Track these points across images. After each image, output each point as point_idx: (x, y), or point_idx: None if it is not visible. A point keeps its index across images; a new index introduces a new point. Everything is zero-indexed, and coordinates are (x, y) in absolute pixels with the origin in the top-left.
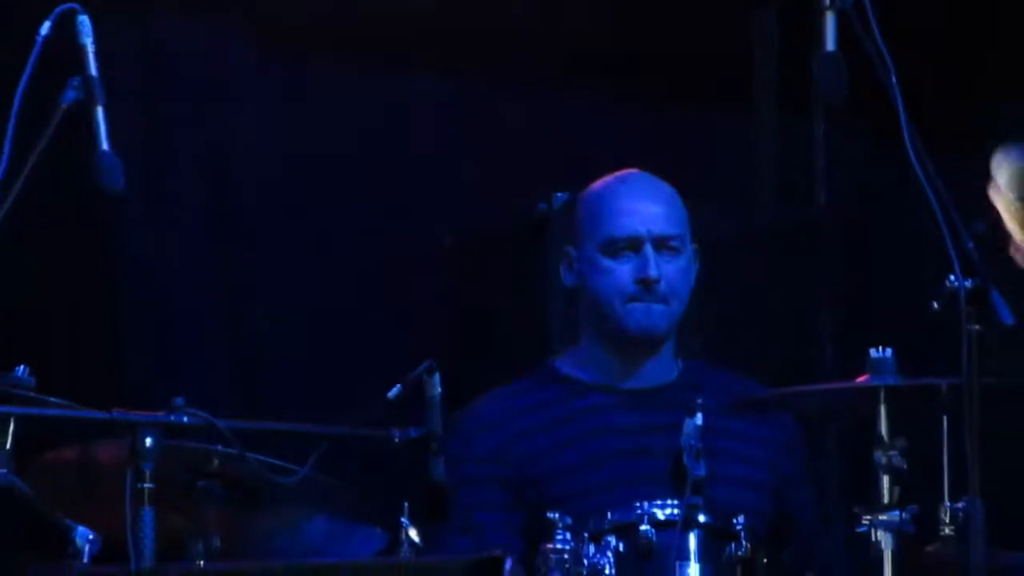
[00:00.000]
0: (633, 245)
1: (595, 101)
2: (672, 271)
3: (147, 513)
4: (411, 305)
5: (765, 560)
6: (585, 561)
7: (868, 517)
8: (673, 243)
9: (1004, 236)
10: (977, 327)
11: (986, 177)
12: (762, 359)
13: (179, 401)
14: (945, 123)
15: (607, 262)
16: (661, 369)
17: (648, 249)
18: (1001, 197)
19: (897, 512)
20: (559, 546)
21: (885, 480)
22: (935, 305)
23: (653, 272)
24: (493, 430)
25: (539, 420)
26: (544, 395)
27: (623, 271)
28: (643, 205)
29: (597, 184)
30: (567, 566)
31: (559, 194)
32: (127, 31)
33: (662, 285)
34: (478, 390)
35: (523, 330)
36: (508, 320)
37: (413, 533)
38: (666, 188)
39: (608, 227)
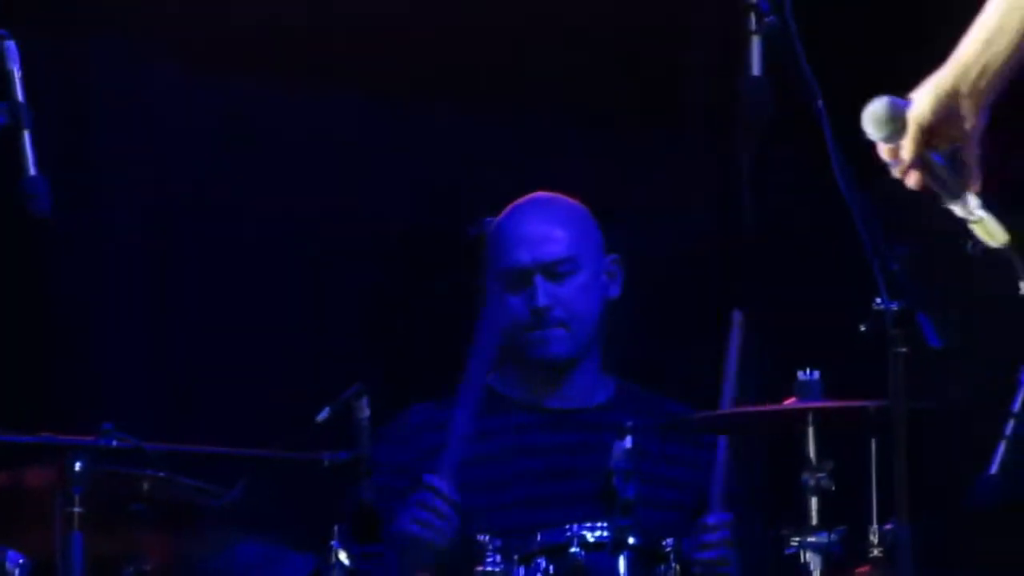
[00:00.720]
0: (522, 276)
1: (532, 119)
2: (567, 294)
3: (76, 537)
4: (340, 329)
5: None
6: None
7: (796, 539)
8: (563, 267)
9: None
10: (904, 349)
11: (910, 199)
12: (685, 379)
13: (107, 425)
14: (872, 145)
15: (504, 293)
16: (588, 388)
17: (537, 278)
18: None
19: (825, 534)
20: (489, 568)
21: (813, 502)
22: (862, 327)
23: (542, 301)
24: (413, 443)
25: None
26: None
27: (516, 302)
28: (530, 234)
29: (500, 215)
30: None
31: (488, 219)
32: (51, 54)
33: (556, 311)
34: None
35: (454, 353)
36: (439, 343)
37: (343, 556)
38: (560, 210)
39: (499, 260)
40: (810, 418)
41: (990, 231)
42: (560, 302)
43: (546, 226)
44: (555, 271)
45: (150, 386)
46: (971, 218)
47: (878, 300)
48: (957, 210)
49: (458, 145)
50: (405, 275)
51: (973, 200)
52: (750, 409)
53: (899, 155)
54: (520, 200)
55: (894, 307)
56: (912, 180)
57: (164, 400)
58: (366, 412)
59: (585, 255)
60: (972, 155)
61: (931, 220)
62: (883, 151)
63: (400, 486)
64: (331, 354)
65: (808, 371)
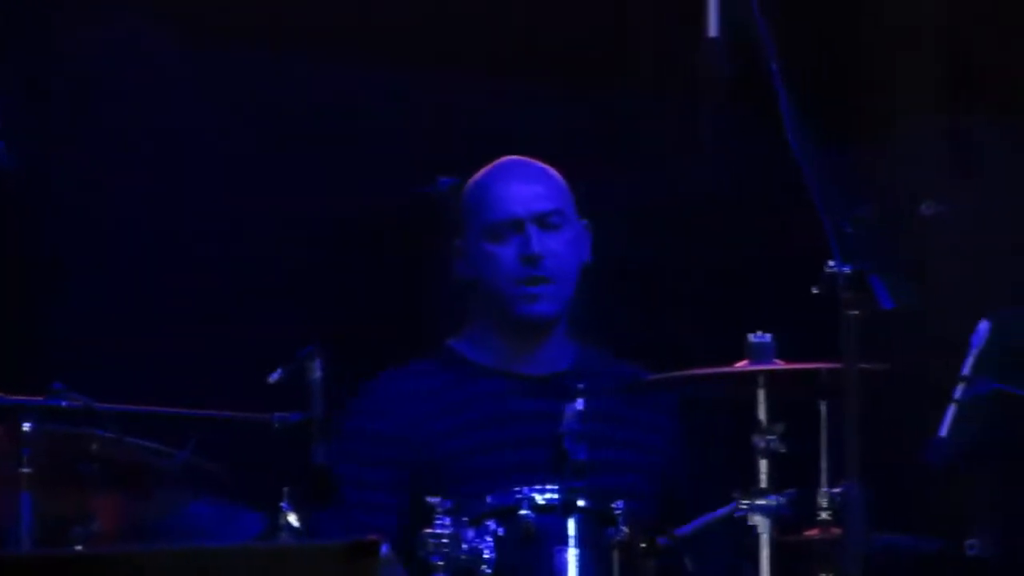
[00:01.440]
0: (514, 226)
1: (491, 83)
2: (556, 246)
3: (24, 498)
4: (295, 288)
5: (643, 545)
6: (464, 545)
7: (746, 501)
8: (553, 219)
9: None
10: (855, 312)
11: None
12: (638, 340)
13: (57, 385)
14: (828, 110)
15: (491, 247)
16: (556, 353)
17: (529, 228)
18: None
19: (775, 496)
20: (438, 531)
21: (763, 464)
22: (814, 290)
23: (536, 247)
24: (391, 414)
25: (437, 405)
26: (441, 378)
27: (507, 253)
28: (519, 187)
29: (477, 175)
30: (446, 550)
31: (444, 179)
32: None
33: (547, 261)
34: (363, 373)
35: (408, 314)
36: (395, 303)
37: (292, 518)
38: (542, 168)
39: (488, 213)
40: (761, 380)
41: None
42: (551, 253)
43: (535, 180)
44: (547, 222)
45: (100, 346)
46: None
47: (830, 262)
48: None
49: (419, 109)
50: (360, 236)
51: None
52: (702, 371)
53: None
54: (499, 160)
55: (846, 270)
56: None
57: (114, 360)
58: (319, 373)
59: (570, 213)
60: None
61: (888, 183)
62: None
63: (373, 454)
64: (285, 315)
65: (760, 333)
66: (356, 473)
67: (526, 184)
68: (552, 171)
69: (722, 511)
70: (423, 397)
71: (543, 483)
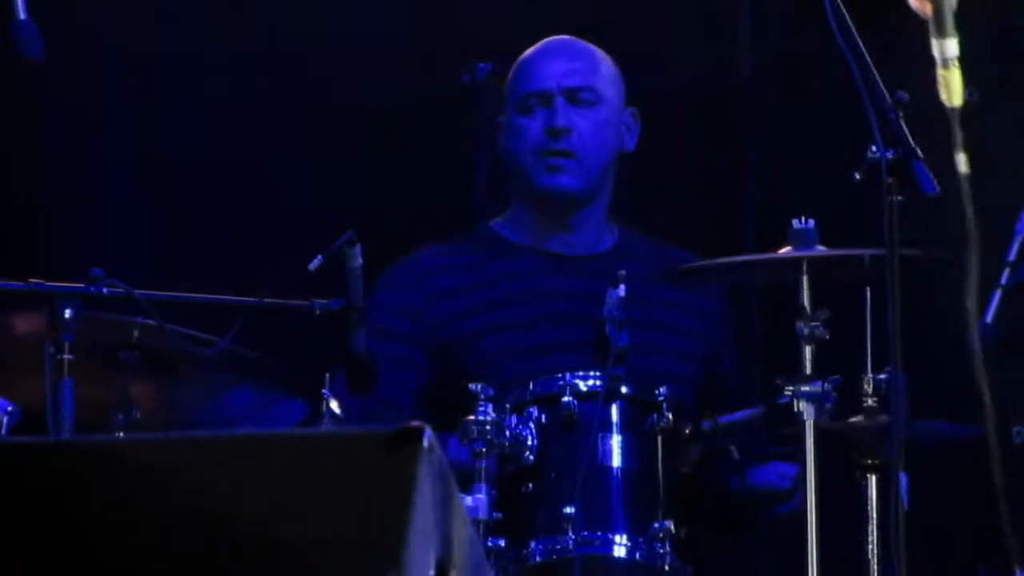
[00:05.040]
0: (543, 99)
1: None
2: (585, 125)
3: (66, 384)
4: (334, 175)
5: (687, 431)
6: (507, 432)
7: (790, 388)
8: (584, 95)
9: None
10: (899, 198)
11: (911, 47)
12: (681, 227)
13: (98, 272)
14: None
15: (521, 120)
16: (594, 235)
17: (558, 101)
18: None
19: (819, 383)
20: (481, 417)
21: (807, 351)
22: (857, 176)
23: (560, 121)
24: (414, 286)
25: (466, 280)
26: (474, 255)
27: (534, 126)
28: (555, 62)
29: (525, 53)
30: (489, 437)
31: (482, 65)
32: None
33: (573, 137)
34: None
35: (446, 201)
36: (432, 191)
37: (334, 405)
38: (586, 48)
39: (521, 86)
40: (805, 266)
41: (952, 87)
42: (578, 130)
43: (573, 57)
44: (577, 97)
45: (142, 233)
46: (946, 62)
47: (873, 148)
48: (938, 50)
49: None
50: (399, 122)
51: (953, 47)
52: (745, 258)
53: None
54: (548, 39)
55: (889, 155)
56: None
57: (156, 247)
58: (359, 261)
59: (607, 95)
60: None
61: (928, 68)
62: None
63: (404, 329)
64: (325, 202)
65: (803, 220)
66: (376, 348)
67: (563, 60)
68: (598, 53)
69: (760, 406)
70: (446, 273)
71: (573, 364)
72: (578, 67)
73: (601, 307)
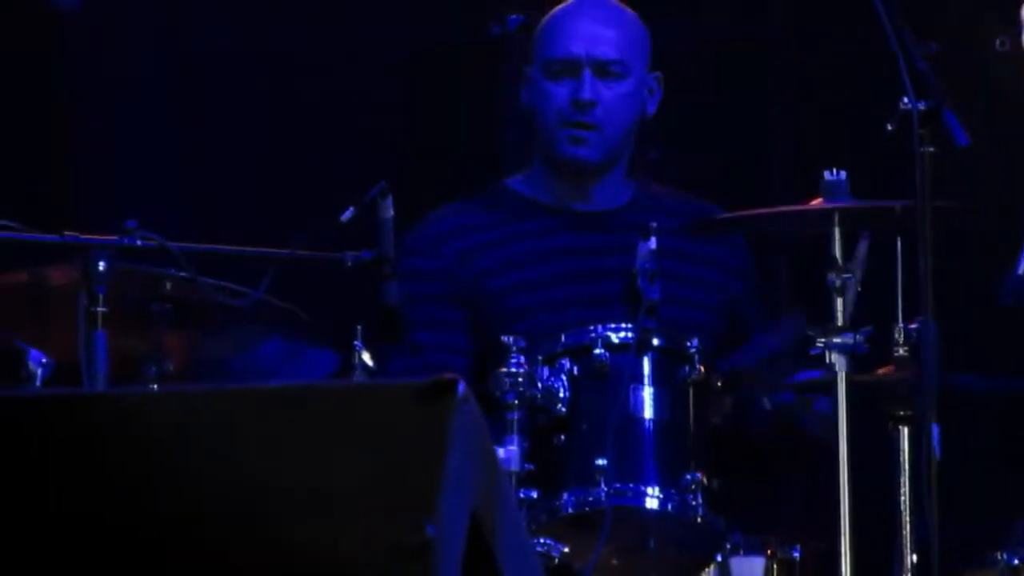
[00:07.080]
0: (571, 67)
1: None
2: (611, 97)
3: (100, 336)
4: (364, 127)
5: (719, 383)
6: (539, 384)
7: (822, 339)
8: (614, 68)
9: None
10: (931, 149)
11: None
12: (712, 179)
13: (131, 224)
14: None
15: (547, 84)
16: (612, 191)
17: (586, 72)
18: None
19: (851, 334)
20: (513, 369)
21: (839, 302)
22: (889, 127)
23: (587, 94)
24: (440, 247)
25: (488, 238)
26: (493, 214)
27: (560, 93)
28: (587, 27)
29: (557, 8)
30: (521, 389)
31: (513, 16)
32: None
33: (598, 110)
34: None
35: (477, 152)
36: (463, 142)
37: (366, 356)
38: (620, 13)
39: (550, 49)
40: (836, 218)
41: None
42: (603, 102)
43: (604, 24)
44: (606, 70)
45: (174, 185)
46: None
47: (905, 99)
48: None
49: None
50: (431, 74)
51: None
52: (777, 209)
53: None
54: None
55: (920, 106)
56: None
57: (188, 199)
58: (390, 212)
59: (635, 65)
60: None
61: (962, 19)
62: None
63: (431, 292)
64: (357, 153)
65: (834, 171)
66: (421, 313)
67: (596, 26)
68: (632, 18)
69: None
70: (473, 231)
71: (600, 317)
72: (611, 36)
73: (622, 259)
